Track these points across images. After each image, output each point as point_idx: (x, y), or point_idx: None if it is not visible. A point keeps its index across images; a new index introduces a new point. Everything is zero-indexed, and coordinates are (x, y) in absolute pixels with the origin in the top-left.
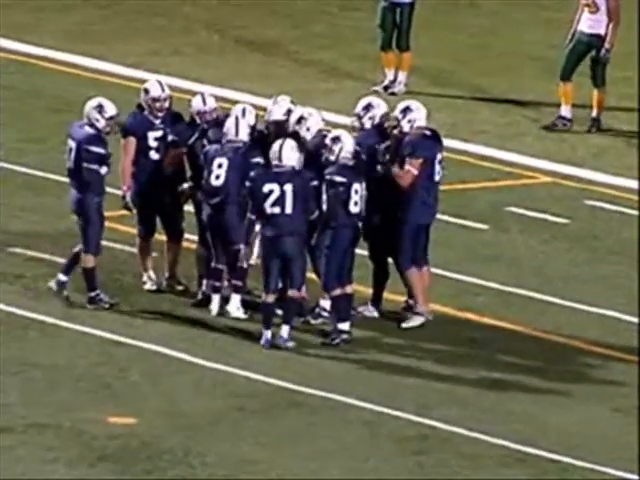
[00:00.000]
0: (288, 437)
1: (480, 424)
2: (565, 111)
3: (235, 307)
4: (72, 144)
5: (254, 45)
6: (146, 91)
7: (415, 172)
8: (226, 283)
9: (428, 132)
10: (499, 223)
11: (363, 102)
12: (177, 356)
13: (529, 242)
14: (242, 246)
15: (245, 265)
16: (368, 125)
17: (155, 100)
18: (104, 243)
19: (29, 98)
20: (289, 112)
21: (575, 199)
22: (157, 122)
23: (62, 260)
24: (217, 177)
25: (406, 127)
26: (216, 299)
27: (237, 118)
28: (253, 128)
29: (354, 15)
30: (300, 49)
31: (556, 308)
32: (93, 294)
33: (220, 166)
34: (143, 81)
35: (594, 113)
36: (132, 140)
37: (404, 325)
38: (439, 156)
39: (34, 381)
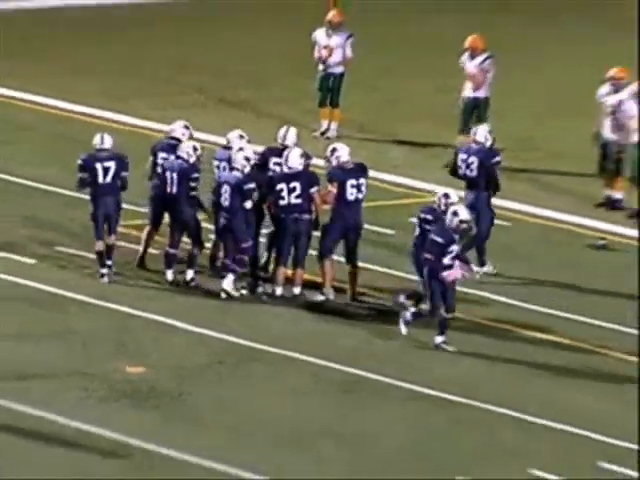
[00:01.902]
0: (255, 381)
1: (401, 374)
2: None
3: (228, 283)
4: (106, 165)
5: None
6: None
7: (334, 191)
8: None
9: (351, 165)
10: (404, 229)
11: (330, 147)
12: (174, 324)
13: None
14: (249, 243)
15: (246, 258)
16: (334, 164)
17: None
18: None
19: None
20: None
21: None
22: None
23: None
24: (225, 199)
25: (334, 162)
26: (230, 278)
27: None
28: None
29: (302, 81)
30: (261, 105)
31: None
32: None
33: (226, 191)
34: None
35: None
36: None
37: (310, 297)
38: (352, 181)
39: (73, 343)
